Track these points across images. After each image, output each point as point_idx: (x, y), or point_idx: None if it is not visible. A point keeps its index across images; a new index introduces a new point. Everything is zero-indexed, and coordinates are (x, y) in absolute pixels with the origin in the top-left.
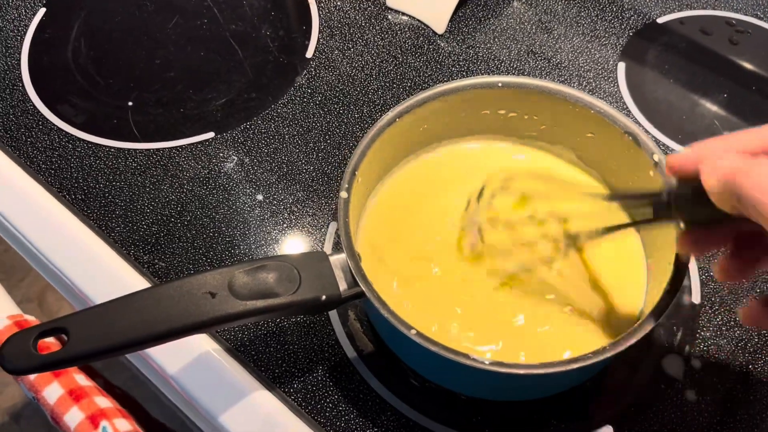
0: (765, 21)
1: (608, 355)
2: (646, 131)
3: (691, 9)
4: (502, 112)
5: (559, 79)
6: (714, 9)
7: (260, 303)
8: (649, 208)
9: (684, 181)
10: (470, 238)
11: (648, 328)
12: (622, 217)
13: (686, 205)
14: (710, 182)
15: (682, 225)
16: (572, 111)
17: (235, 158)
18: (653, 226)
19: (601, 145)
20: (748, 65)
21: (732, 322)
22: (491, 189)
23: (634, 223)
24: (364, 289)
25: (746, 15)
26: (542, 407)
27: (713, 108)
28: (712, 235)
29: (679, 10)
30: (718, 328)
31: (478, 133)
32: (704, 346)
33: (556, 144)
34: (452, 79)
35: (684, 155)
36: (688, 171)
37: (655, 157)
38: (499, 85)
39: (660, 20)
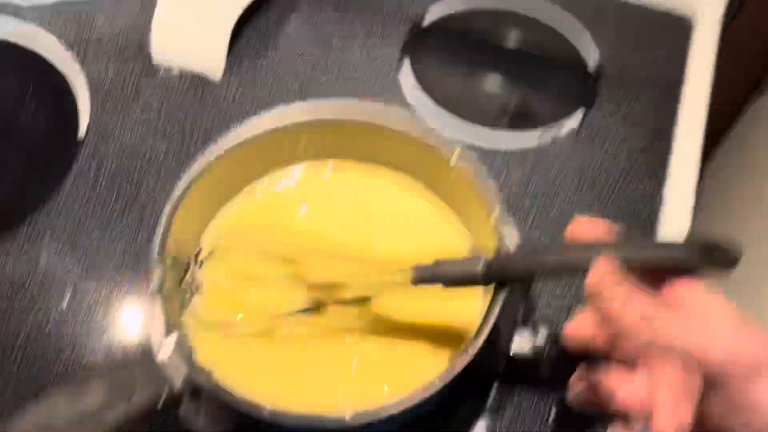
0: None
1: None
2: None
3: (455, 5)
4: (303, 143)
5: (349, 92)
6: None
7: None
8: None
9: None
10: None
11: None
12: None
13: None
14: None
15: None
16: (369, 129)
17: (25, 266)
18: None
19: (406, 153)
20: (513, 45)
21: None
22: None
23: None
24: (203, 381)
25: (501, 4)
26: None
27: (497, 89)
28: None
29: (447, 8)
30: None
31: (295, 163)
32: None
33: (370, 158)
34: (244, 122)
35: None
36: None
37: (452, 160)
38: (290, 125)
39: (427, 21)
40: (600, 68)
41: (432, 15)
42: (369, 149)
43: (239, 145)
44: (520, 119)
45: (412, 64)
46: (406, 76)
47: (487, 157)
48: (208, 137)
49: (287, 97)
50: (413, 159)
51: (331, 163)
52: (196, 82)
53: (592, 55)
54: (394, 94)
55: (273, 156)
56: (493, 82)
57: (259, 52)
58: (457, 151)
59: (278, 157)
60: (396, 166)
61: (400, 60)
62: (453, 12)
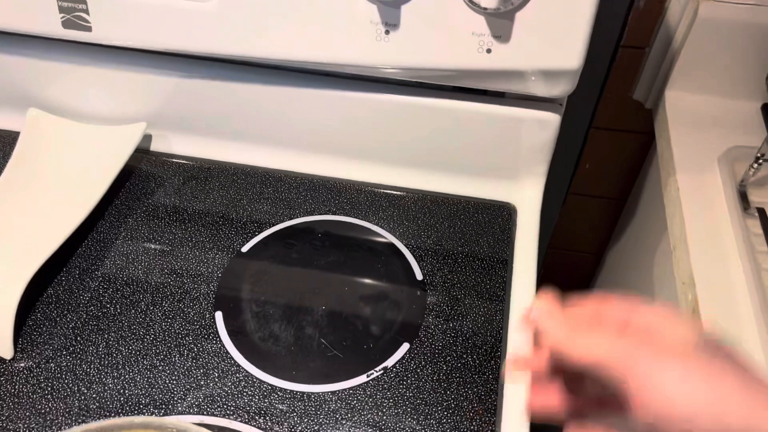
0: (342, 215)
1: None
2: (259, 379)
3: (270, 227)
4: None
5: (158, 357)
6: (291, 219)
7: None
8: None
9: None
10: None
11: None
12: None
13: None
14: None
15: None
16: None
17: None
18: None
19: None
20: (337, 268)
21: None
22: None
23: None
24: None
25: (325, 214)
26: None
27: (315, 329)
28: None
29: (259, 232)
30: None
31: None
32: None
33: None
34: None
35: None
36: None
37: None
38: None
39: (244, 249)
40: (426, 276)
41: (247, 245)
42: None
43: None
44: (348, 358)
45: (225, 315)
46: (221, 330)
47: (312, 399)
48: None
49: (87, 374)
50: None
51: None
52: None
53: (418, 270)
54: (208, 352)
55: None
56: (312, 327)
57: (57, 321)
58: None
59: None
60: None
61: (213, 311)
62: (270, 233)
